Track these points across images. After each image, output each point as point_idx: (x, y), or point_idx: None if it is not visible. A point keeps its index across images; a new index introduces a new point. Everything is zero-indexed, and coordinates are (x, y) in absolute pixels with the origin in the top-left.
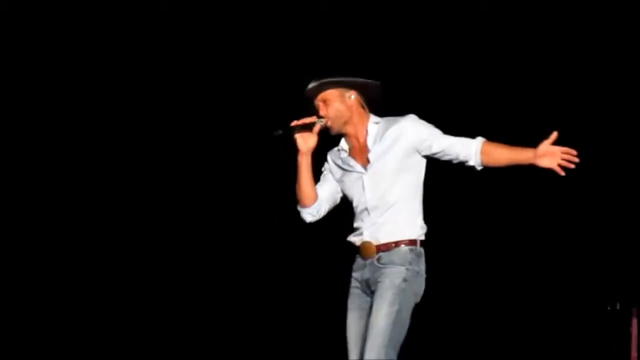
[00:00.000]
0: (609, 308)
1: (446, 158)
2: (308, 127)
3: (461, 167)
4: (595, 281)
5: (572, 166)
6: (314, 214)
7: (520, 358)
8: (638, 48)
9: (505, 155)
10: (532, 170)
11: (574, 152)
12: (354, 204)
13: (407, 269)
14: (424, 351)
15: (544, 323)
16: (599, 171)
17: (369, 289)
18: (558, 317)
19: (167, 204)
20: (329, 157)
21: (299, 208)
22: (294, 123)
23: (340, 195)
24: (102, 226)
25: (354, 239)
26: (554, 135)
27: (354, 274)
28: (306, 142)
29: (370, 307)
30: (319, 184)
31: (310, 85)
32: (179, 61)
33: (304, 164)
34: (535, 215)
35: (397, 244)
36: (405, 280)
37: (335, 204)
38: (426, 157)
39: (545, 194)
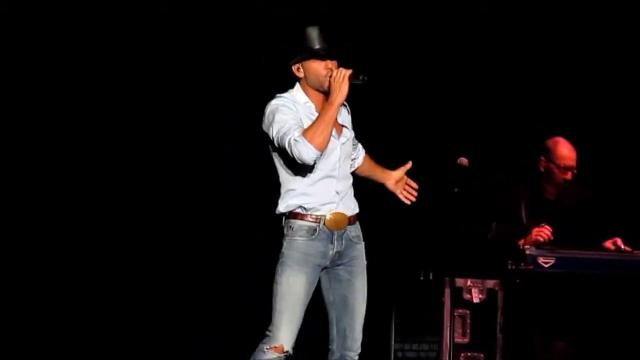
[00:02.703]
0: (422, 278)
1: None
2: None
3: None
4: (409, 252)
5: (413, 198)
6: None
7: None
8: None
9: (372, 169)
10: None
11: (415, 186)
12: (315, 167)
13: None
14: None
15: None
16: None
17: (334, 262)
18: (374, 286)
19: (165, 203)
20: (294, 107)
21: (313, 149)
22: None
23: None
24: (94, 225)
25: (320, 207)
26: (408, 164)
27: (311, 243)
28: None
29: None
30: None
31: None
32: (178, 61)
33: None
34: None
35: (356, 217)
36: None
37: None
38: None
39: None
